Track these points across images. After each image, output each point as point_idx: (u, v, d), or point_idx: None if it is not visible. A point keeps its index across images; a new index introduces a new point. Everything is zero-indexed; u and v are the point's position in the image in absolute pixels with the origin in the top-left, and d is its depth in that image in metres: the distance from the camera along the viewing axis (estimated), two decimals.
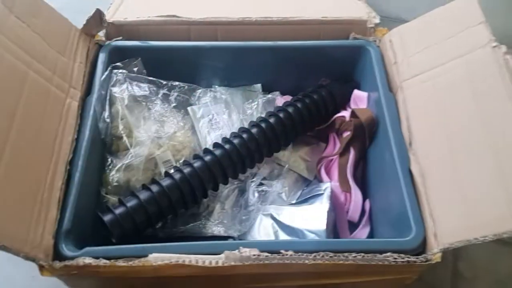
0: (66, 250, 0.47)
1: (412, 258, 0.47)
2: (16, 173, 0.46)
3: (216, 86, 0.73)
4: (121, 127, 0.60)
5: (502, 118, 0.49)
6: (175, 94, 0.67)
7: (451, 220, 0.48)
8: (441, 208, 0.50)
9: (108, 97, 0.61)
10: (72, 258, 0.46)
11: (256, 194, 0.61)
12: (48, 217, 0.48)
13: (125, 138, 0.59)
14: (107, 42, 0.67)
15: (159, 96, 0.66)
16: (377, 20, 0.70)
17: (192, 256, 0.45)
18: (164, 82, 0.67)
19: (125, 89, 0.62)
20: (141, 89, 0.64)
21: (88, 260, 0.45)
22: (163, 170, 0.60)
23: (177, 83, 0.67)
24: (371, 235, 0.64)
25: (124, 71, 0.64)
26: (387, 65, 0.67)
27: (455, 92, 0.55)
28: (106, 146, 0.61)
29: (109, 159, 0.59)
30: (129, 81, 0.63)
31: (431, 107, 0.57)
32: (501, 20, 0.60)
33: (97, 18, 0.66)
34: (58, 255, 0.47)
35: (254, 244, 0.47)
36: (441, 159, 0.52)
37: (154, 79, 0.66)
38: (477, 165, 0.48)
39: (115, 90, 0.62)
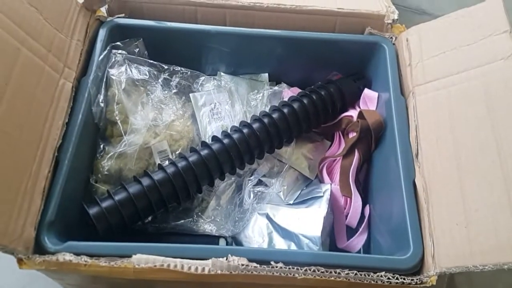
0: (48, 243, 0.45)
1: (407, 280, 0.45)
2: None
3: (221, 73, 0.70)
4: (116, 112, 0.57)
5: None
6: (177, 79, 0.64)
7: (451, 242, 0.46)
8: (442, 228, 0.48)
9: (104, 79, 0.58)
10: (54, 252, 0.44)
11: (252, 196, 0.59)
12: (32, 208, 0.45)
13: (119, 124, 0.57)
14: (109, 19, 0.64)
15: (160, 81, 0.62)
16: (395, 16, 0.66)
17: (178, 261, 0.43)
18: (166, 67, 0.63)
19: (124, 71, 0.59)
20: (140, 72, 0.61)
21: (68, 257, 0.43)
22: (157, 161, 0.58)
23: (179, 68, 0.64)
24: (368, 241, 0.62)
25: (123, 51, 0.61)
26: (401, 66, 0.63)
27: (470, 105, 0.52)
28: (99, 131, 0.58)
29: (102, 146, 0.57)
30: (129, 63, 0.60)
31: (443, 119, 0.53)
32: None
33: None
34: (39, 248, 0.45)
35: (244, 252, 0.45)
36: (448, 177, 0.49)
37: (155, 62, 0.63)
38: (484, 188, 0.46)
39: (113, 72, 0.59)
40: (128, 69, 0.60)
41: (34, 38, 0.51)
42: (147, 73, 0.61)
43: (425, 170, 0.52)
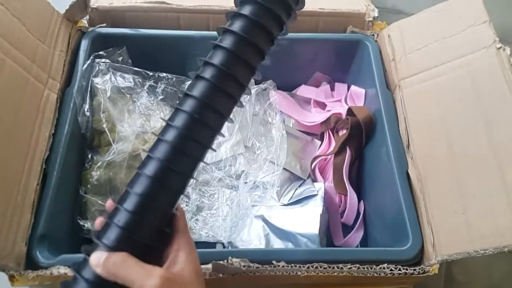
0: (41, 258, 0.43)
1: (409, 270, 0.45)
2: None
3: None
4: (103, 120, 0.56)
5: (506, 125, 0.46)
6: (162, 86, 0.63)
7: (450, 229, 0.46)
8: (439, 216, 0.48)
9: (89, 89, 0.57)
10: (47, 267, 0.43)
11: (249, 200, 0.58)
12: (22, 222, 0.44)
13: (107, 132, 0.55)
14: (90, 29, 0.63)
15: (145, 88, 0.62)
16: (375, 14, 0.67)
17: None
18: (151, 73, 0.63)
19: (108, 80, 0.58)
20: (125, 80, 0.60)
21: (63, 270, 0.41)
22: None
23: (164, 74, 0.63)
24: (364, 238, 0.61)
25: (107, 60, 0.60)
26: (385, 61, 0.64)
27: (457, 94, 0.52)
28: (86, 141, 0.57)
29: (89, 156, 0.55)
30: (113, 72, 0.59)
31: (431, 109, 0.54)
32: (498, 16, 0.58)
33: (82, 3, 0.62)
34: (31, 263, 0.43)
35: (244, 253, 0.44)
36: (441, 165, 0.50)
37: (139, 69, 0.62)
38: (478, 174, 0.46)
39: (97, 81, 0.58)
40: (113, 78, 0.59)
41: (18, 49, 0.50)
42: (132, 81, 0.60)
43: (418, 161, 0.52)
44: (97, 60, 0.59)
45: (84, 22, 0.64)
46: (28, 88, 0.50)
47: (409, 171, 0.53)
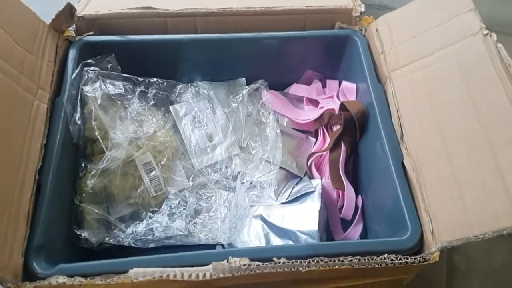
0: (38, 268, 0.43)
1: (410, 259, 0.45)
2: None
3: (198, 82, 0.69)
4: (94, 128, 0.55)
5: (496, 109, 0.47)
6: (154, 91, 0.63)
7: (448, 216, 0.46)
8: (437, 204, 0.48)
9: (79, 97, 0.57)
10: (45, 277, 0.42)
11: (247, 200, 0.57)
12: (17, 234, 0.43)
13: (100, 140, 0.55)
14: (78, 38, 0.63)
15: (136, 94, 0.61)
16: (362, 9, 0.68)
17: (177, 270, 0.42)
18: (141, 79, 0.62)
19: (98, 87, 0.58)
20: (115, 87, 0.60)
21: (62, 279, 0.41)
22: (143, 174, 0.56)
23: (155, 79, 0.63)
24: (364, 232, 0.61)
25: (96, 68, 0.59)
26: (374, 54, 0.64)
27: (447, 82, 0.53)
28: (79, 150, 0.56)
29: (83, 164, 0.55)
30: (102, 79, 0.59)
31: (422, 98, 0.54)
32: (484, 6, 0.58)
33: (67, 12, 0.61)
34: (29, 275, 0.43)
35: (244, 252, 0.44)
36: (435, 153, 0.50)
37: (129, 76, 0.62)
38: (472, 159, 0.46)
39: (87, 89, 0.57)
40: (102, 85, 0.58)
41: (5, 60, 0.49)
42: (122, 87, 0.60)
43: (412, 150, 0.53)
44: (85, 68, 0.59)
45: (71, 31, 0.63)
46: (18, 99, 0.50)
47: (404, 161, 0.53)
